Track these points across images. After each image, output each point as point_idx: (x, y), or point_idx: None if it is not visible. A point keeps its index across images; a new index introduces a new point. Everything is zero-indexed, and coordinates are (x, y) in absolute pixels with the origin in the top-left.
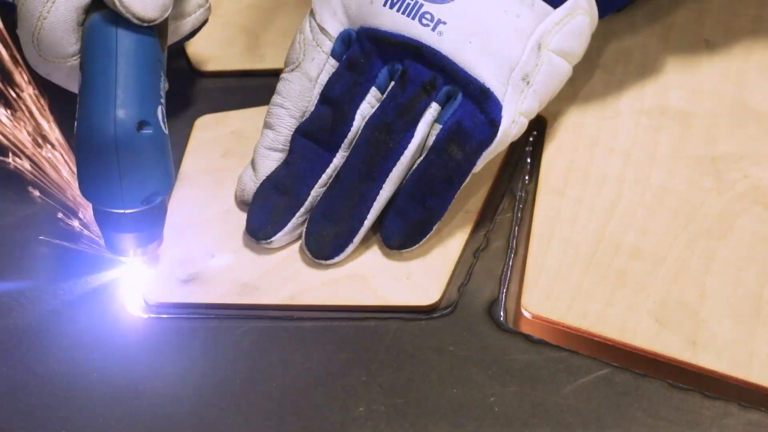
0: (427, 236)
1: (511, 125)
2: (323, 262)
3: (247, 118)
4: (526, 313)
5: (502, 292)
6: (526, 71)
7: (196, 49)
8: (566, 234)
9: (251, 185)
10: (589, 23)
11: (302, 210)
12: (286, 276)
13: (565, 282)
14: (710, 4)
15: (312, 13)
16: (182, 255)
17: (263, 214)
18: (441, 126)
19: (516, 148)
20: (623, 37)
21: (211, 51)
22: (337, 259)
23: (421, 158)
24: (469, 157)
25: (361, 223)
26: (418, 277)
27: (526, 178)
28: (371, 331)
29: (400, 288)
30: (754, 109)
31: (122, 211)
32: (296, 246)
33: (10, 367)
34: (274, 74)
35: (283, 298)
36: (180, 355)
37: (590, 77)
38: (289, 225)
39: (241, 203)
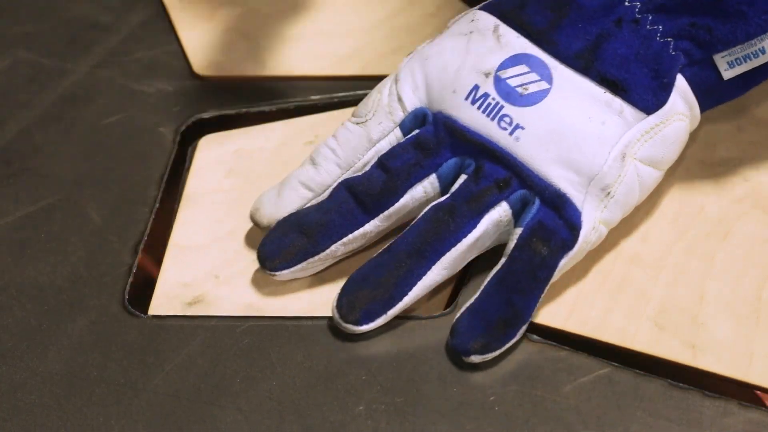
0: (512, 341)
1: (591, 232)
2: (350, 327)
3: (251, 136)
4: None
5: None
6: (607, 182)
7: (196, 54)
8: None
9: (269, 208)
10: (686, 127)
11: (316, 258)
12: (291, 296)
13: (565, 289)
14: None
15: (395, 78)
16: (187, 278)
17: (278, 247)
18: (521, 228)
19: None
20: None
21: (212, 56)
22: (364, 328)
23: (502, 260)
24: (553, 253)
25: (401, 297)
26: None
27: None
28: (371, 330)
29: None
30: (753, 113)
31: None
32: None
33: (11, 366)
34: (275, 80)
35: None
36: (180, 353)
37: None
38: (298, 266)
39: (253, 221)
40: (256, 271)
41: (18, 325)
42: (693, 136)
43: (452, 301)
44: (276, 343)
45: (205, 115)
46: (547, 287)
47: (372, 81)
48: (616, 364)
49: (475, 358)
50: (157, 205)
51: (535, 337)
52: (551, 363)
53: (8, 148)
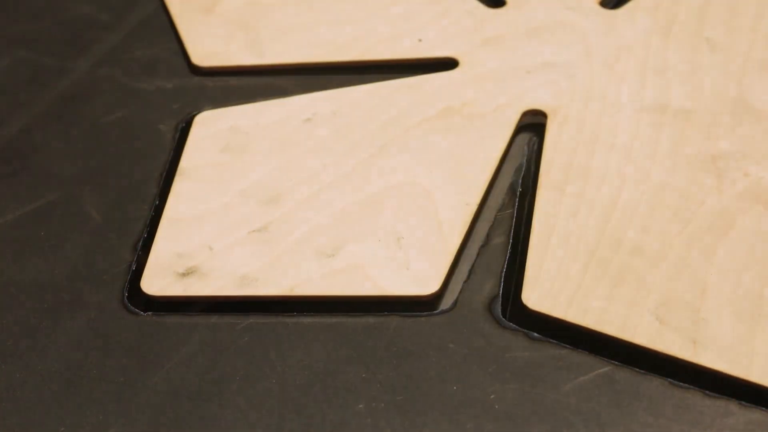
0: None
1: None
2: None
3: (246, 113)
4: (526, 311)
5: (502, 289)
6: None
7: (195, 44)
8: (566, 230)
9: None
10: None
11: None
12: (285, 267)
13: (566, 279)
14: (711, 2)
15: None
16: (181, 249)
17: None
18: None
19: (516, 142)
20: (624, 34)
21: (210, 47)
22: None
23: None
24: None
25: None
26: (417, 268)
27: (529, 171)
28: (371, 327)
29: (400, 279)
30: (755, 107)
31: None
32: (296, 238)
33: (10, 364)
34: (274, 71)
35: (283, 290)
36: (179, 351)
37: (591, 74)
38: None
39: None
40: (250, 243)
41: (17, 324)
42: (694, 128)
43: (452, 299)
44: (276, 341)
45: (204, 108)
46: None
47: (372, 67)
48: (616, 362)
49: None
50: (157, 202)
51: (535, 334)
52: (551, 361)
53: (8, 146)
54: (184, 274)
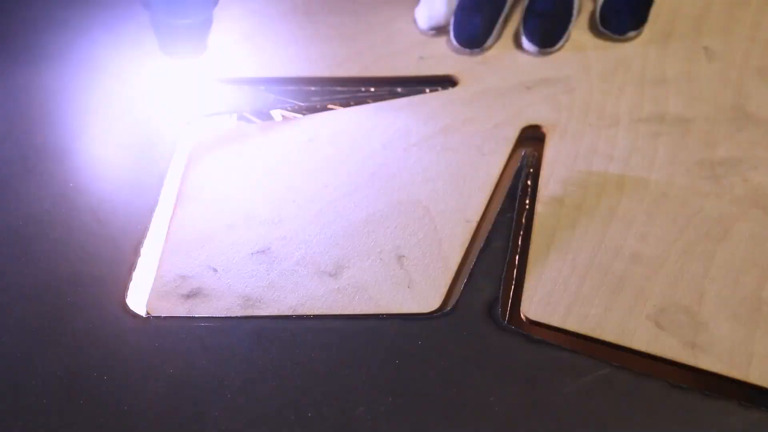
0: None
1: None
2: (548, 49)
3: (251, 134)
4: (525, 320)
5: (502, 292)
6: None
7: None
8: (565, 240)
9: (443, 11)
10: None
11: (503, 14)
12: (288, 287)
13: (565, 288)
14: (709, 11)
15: None
16: (184, 271)
17: (471, 28)
18: None
19: (515, 157)
20: (622, 46)
21: (213, 58)
22: (558, 46)
23: None
24: None
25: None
26: (418, 286)
27: (528, 183)
28: (372, 331)
29: (401, 297)
30: (752, 114)
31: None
32: (297, 258)
33: (11, 366)
34: (275, 81)
35: (286, 310)
36: (180, 354)
37: (589, 86)
38: (495, 30)
39: (429, 29)
40: (252, 265)
41: (18, 325)
42: (692, 136)
43: (452, 302)
44: (276, 345)
45: (207, 116)
46: None
47: (371, 83)
48: (616, 364)
49: (632, 33)
50: (158, 205)
51: (535, 337)
52: (551, 363)
53: (10, 148)
54: (188, 296)
